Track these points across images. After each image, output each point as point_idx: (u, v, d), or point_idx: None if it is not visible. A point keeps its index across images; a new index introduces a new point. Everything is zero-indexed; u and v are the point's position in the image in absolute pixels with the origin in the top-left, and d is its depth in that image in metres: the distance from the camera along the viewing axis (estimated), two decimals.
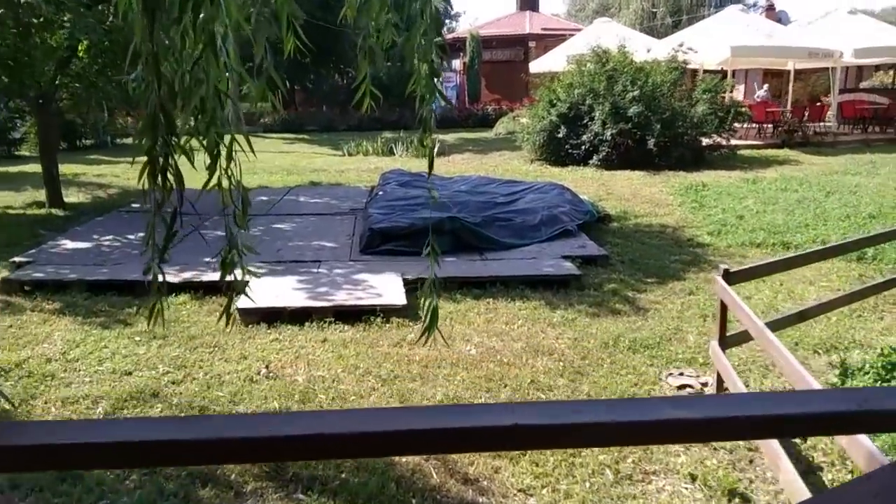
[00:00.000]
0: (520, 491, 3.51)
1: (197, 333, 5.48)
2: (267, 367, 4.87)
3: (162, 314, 1.70)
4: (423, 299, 2.08)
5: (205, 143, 1.60)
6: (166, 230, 1.57)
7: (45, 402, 4.34)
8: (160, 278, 1.67)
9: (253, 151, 1.70)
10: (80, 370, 4.82)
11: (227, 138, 1.60)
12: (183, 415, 3.90)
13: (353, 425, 1.10)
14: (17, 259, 7.37)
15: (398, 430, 1.12)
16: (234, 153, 1.66)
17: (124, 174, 14.19)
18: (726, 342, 4.36)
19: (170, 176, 1.56)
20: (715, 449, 3.94)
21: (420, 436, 1.15)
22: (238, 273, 1.82)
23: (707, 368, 4.98)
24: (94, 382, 4.63)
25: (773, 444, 3.41)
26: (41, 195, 10.91)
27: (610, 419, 1.19)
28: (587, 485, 3.58)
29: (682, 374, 4.84)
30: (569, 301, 6.31)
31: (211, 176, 1.64)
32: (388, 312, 5.75)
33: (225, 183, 1.63)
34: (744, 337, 4.49)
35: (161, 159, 1.55)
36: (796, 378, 3.09)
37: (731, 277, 4.23)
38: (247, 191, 1.62)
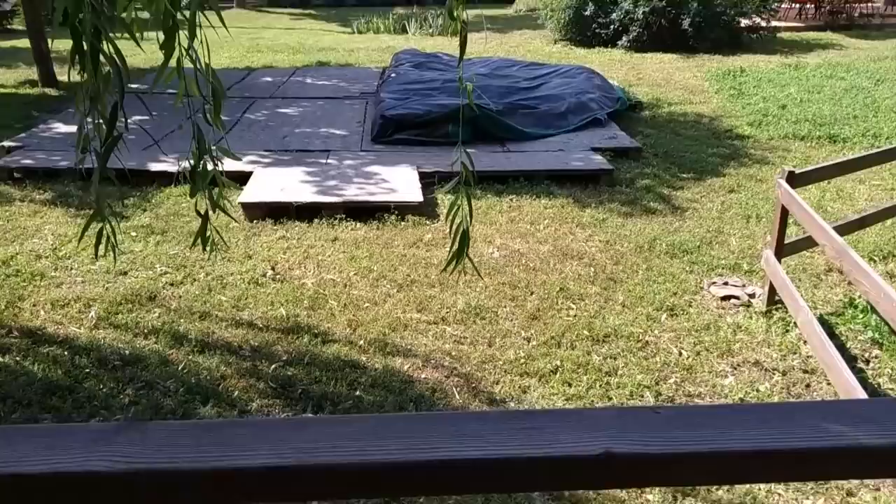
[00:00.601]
0: None
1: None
2: (273, 268, 4.49)
3: (114, 240, 1.25)
4: (449, 219, 1.61)
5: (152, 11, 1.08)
6: (105, 131, 1.08)
7: (34, 305, 4.01)
8: (110, 195, 1.20)
9: (224, 26, 1.18)
10: (71, 269, 4.46)
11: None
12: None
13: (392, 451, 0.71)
14: (6, 143, 6.88)
15: (455, 458, 0.72)
16: (198, 28, 1.15)
17: (126, 50, 13.35)
18: (783, 251, 3.90)
19: (105, 59, 1.06)
20: (766, 370, 3.58)
21: (478, 469, 0.75)
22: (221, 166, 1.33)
23: (753, 277, 4.56)
24: (87, 283, 4.28)
25: (837, 362, 3.04)
26: (34, 73, 10.24)
27: (772, 446, 0.78)
28: None
29: (726, 283, 4.42)
30: (599, 199, 5.81)
31: (167, 58, 1.13)
32: (402, 210, 5.30)
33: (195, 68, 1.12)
34: (802, 246, 4.03)
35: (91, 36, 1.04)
36: (876, 294, 2.66)
37: (795, 180, 3.71)
38: (219, 81, 1.11)
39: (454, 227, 1.61)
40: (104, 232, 1.24)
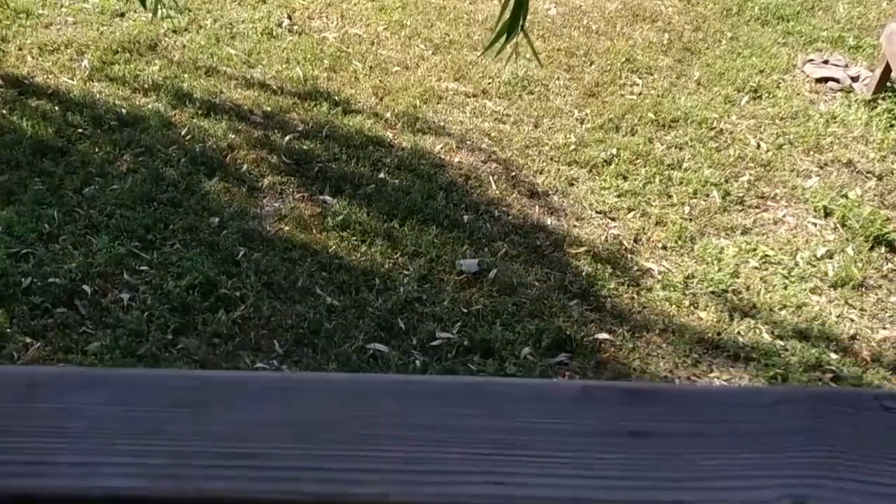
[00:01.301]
0: (599, 213, 2.78)
1: None
2: (290, 17, 3.85)
3: None
4: None
5: None
6: None
7: (20, 49, 3.53)
8: None
9: None
10: (61, 6, 3.88)
11: None
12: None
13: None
14: None
15: None
16: None
17: None
18: None
19: None
20: (859, 173, 3.05)
21: None
22: None
23: (858, 55, 3.80)
24: (79, 25, 3.73)
25: None
26: None
27: None
28: (686, 209, 2.83)
29: (825, 61, 3.69)
30: None
31: None
32: None
33: None
34: None
35: None
36: None
37: None
38: None
39: None
40: None
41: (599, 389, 0.49)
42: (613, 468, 0.42)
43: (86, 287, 2.34)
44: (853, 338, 2.39)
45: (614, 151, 3.06)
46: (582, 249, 2.59)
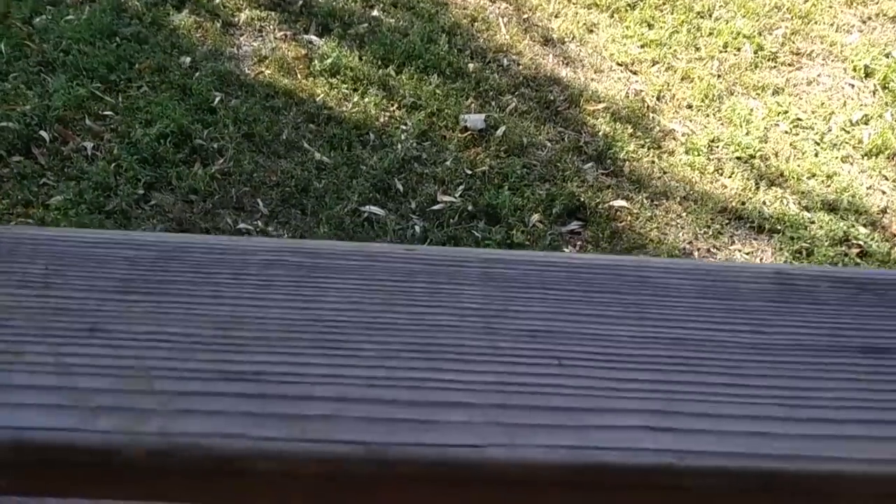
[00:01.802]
0: (620, 65, 2.50)
1: None
2: None
3: None
4: None
5: None
6: None
7: None
8: None
9: None
10: None
11: None
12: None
13: None
14: None
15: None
16: None
17: None
18: None
19: None
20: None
21: None
22: None
23: None
24: None
25: None
26: None
27: None
28: (714, 64, 2.55)
29: None
30: None
31: None
32: None
33: None
34: None
35: None
36: None
37: None
38: None
39: None
40: None
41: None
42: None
43: (43, 133, 2.08)
44: (883, 211, 2.22)
45: None
46: (600, 106, 2.33)
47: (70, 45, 2.31)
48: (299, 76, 2.32)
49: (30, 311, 0.30)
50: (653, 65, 2.50)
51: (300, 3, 2.54)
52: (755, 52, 2.61)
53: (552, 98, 2.33)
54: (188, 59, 2.32)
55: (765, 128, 2.36)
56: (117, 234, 0.34)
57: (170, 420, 0.27)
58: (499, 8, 2.61)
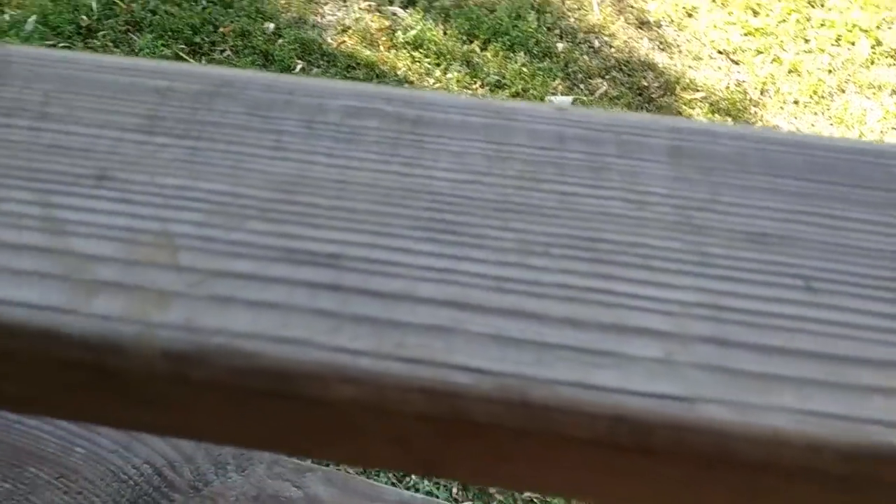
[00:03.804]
0: (721, 53, 2.33)
1: None
2: None
3: None
4: None
5: None
6: None
7: None
8: None
9: None
10: None
11: None
12: None
13: None
14: None
15: None
16: None
17: None
18: None
19: None
20: None
21: None
22: None
23: None
24: None
25: None
26: None
27: None
28: (825, 58, 2.35)
29: None
30: None
31: None
32: None
33: None
34: None
35: None
36: None
37: None
38: None
39: None
40: None
41: None
42: None
43: None
44: None
45: None
46: (697, 95, 2.18)
47: (157, 5, 2.31)
48: (381, 48, 2.25)
49: (15, 145, 0.22)
50: (757, 55, 2.32)
51: None
52: (872, 48, 2.39)
53: (646, 84, 2.19)
54: (272, 26, 2.29)
55: (881, 131, 2.16)
56: (147, 63, 0.25)
57: (199, 309, 0.18)
58: None
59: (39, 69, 0.24)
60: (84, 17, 2.27)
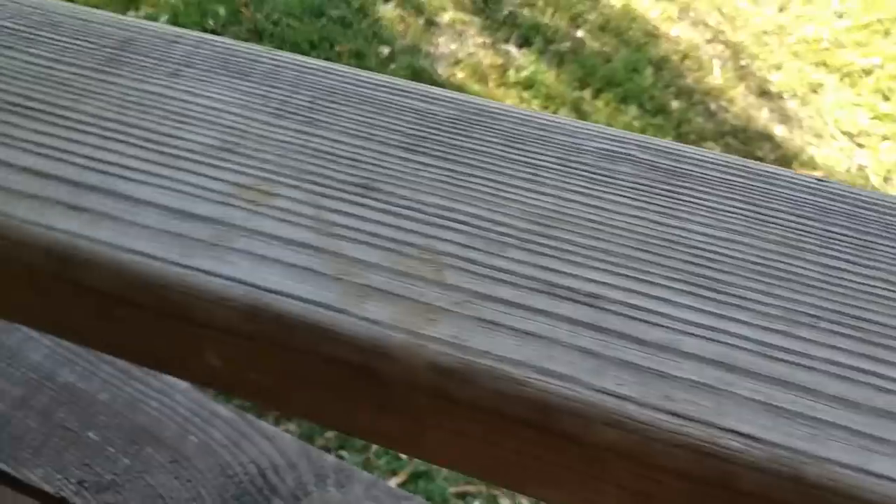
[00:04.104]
0: (845, 134, 2.22)
1: None
2: None
3: None
4: None
5: None
6: None
7: None
8: None
9: None
10: None
11: None
12: None
13: None
14: None
15: None
16: None
17: None
18: None
19: None
20: None
21: None
22: None
23: None
24: None
25: None
26: None
27: None
28: None
29: None
30: None
31: None
32: None
33: None
34: None
35: None
36: None
37: None
38: None
39: None
40: None
41: None
42: None
43: None
44: None
45: (877, 61, 2.41)
46: (816, 174, 2.07)
47: (280, 17, 2.38)
48: (491, 84, 2.24)
49: (285, 146, 0.23)
50: (883, 140, 2.20)
51: (506, 12, 2.48)
52: None
53: (761, 155, 2.10)
54: (386, 50, 2.32)
55: None
56: (402, 82, 0.26)
57: (467, 329, 0.18)
58: (714, 49, 2.41)
59: (304, 75, 0.26)
60: (210, 22, 2.35)
